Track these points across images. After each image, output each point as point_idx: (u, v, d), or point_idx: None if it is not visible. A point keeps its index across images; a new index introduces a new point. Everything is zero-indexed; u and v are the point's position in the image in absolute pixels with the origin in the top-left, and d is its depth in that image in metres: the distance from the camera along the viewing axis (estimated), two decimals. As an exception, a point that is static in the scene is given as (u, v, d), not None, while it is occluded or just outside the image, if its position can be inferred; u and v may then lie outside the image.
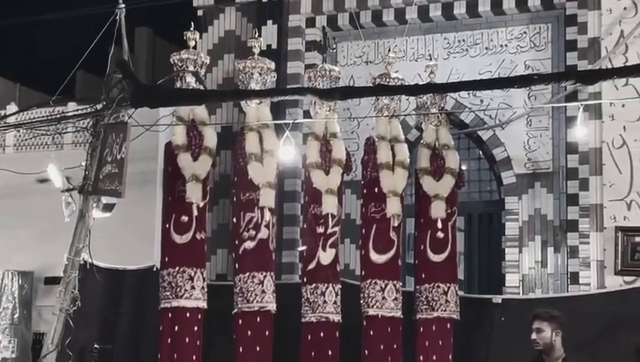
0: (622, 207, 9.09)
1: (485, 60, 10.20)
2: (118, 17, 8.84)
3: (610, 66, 9.07)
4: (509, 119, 9.94)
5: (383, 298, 8.82)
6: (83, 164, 8.62)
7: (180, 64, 8.87)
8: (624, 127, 9.17)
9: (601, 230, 9.15)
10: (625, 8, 9.30)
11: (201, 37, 9.85)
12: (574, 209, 9.49)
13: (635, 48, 9.21)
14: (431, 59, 9.90)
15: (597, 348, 8.47)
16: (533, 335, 7.18)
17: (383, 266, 8.92)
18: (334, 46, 10.58)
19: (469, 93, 9.96)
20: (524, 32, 10.11)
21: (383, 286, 8.84)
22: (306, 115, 9.99)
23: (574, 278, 9.39)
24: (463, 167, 9.44)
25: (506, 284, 9.83)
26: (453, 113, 9.97)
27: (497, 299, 9.22)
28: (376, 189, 8.98)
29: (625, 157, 9.15)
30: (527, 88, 9.52)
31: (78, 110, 9.50)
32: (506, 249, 9.90)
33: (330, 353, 8.72)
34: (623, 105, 9.05)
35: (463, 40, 10.36)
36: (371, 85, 9.18)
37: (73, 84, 12.33)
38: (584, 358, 7.48)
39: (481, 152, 10.34)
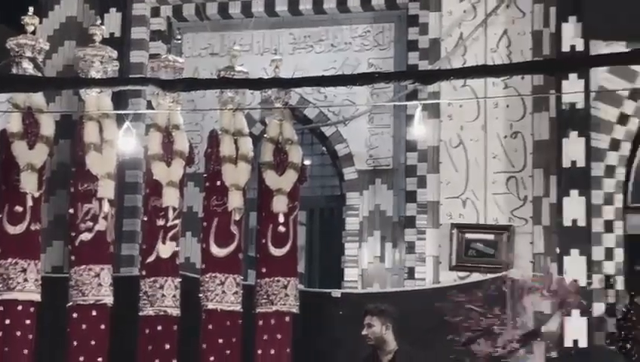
0: (457, 204, 9.32)
1: (330, 57, 10.21)
2: (-49, -1, 8.49)
3: (449, 67, 9.18)
4: (351, 116, 10.03)
5: (223, 292, 8.79)
6: None
7: (17, 49, 8.62)
8: (461, 126, 9.41)
9: (437, 226, 9.33)
10: (464, 11, 9.54)
11: (41, 22, 9.52)
12: (412, 205, 9.62)
13: (473, 50, 9.44)
14: (276, 53, 9.93)
15: (431, 341, 8.63)
16: (365, 331, 7.26)
17: (223, 260, 8.89)
18: (179, 37, 10.43)
19: (313, 89, 9.90)
20: (368, 31, 10.20)
21: (223, 279, 8.81)
22: (150, 105, 9.78)
23: (411, 273, 9.51)
24: (306, 162, 9.46)
25: (346, 279, 9.91)
26: (298, 108, 9.97)
27: (336, 293, 9.33)
28: (218, 182, 8.95)
29: (461, 156, 9.38)
30: (370, 86, 9.56)
31: None
32: (346, 244, 9.96)
33: (167, 347, 8.63)
34: (461, 106, 9.27)
35: (309, 36, 10.36)
36: (216, 78, 9.09)
37: None
38: (415, 352, 7.57)
39: (324, 148, 10.34)
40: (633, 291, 8.83)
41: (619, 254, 9.12)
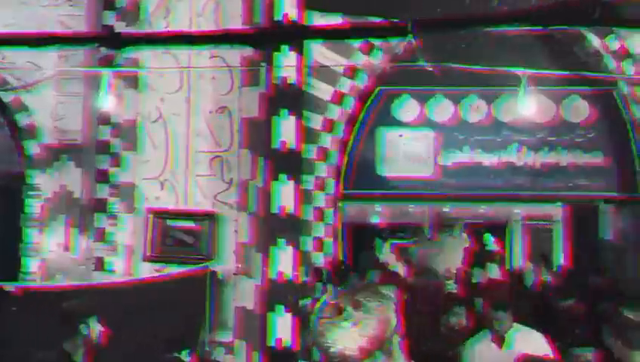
0: (155, 186, 8.75)
1: (12, 12, 9.17)
2: None
3: (149, 31, 8.67)
4: (36, 81, 9.10)
5: None
6: None
7: None
8: (162, 98, 8.80)
9: (132, 211, 8.75)
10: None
11: None
12: (104, 187, 8.92)
13: (177, 13, 8.84)
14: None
15: (127, 336, 7.75)
16: None
17: None
18: None
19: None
20: (59, -17, 9.39)
21: None
22: None
23: (101, 264, 8.85)
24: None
25: (24, 270, 9.10)
26: (-31, 69, 8.84)
27: (11, 287, 8.30)
28: None
29: (161, 132, 8.84)
30: (57, 48, 8.78)
31: None
32: (26, 229, 9.14)
33: None
34: (163, 76, 8.66)
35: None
36: None
37: None
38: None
39: (1, 118, 9.38)
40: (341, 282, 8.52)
41: (329, 245, 8.89)
